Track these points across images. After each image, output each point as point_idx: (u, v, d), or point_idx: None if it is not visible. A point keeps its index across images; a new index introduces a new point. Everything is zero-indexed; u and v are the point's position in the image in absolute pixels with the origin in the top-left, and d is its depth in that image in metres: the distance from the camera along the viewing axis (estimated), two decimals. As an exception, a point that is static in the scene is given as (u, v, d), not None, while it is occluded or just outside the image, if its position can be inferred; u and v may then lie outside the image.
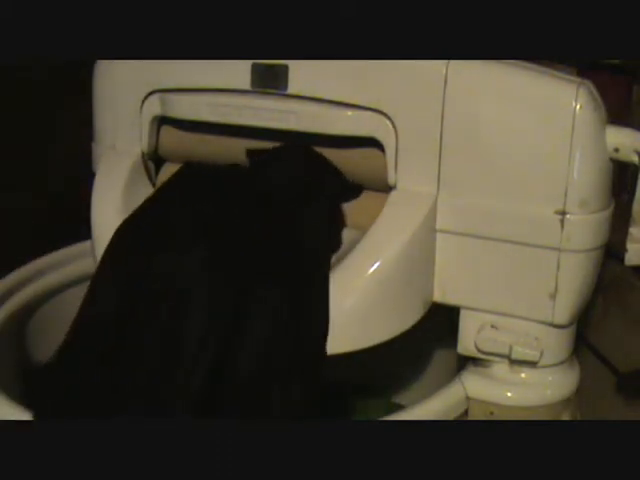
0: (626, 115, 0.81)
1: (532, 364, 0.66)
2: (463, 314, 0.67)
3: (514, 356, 0.65)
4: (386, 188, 0.66)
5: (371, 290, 0.62)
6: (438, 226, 0.64)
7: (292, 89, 0.67)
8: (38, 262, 0.82)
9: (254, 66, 0.67)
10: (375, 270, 0.62)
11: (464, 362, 0.69)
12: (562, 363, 0.67)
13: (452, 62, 0.62)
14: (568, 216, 0.61)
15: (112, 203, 0.70)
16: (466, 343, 0.67)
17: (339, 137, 0.67)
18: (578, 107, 0.60)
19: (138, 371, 0.60)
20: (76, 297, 0.82)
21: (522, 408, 0.67)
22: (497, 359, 0.67)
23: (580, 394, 0.70)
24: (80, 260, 0.82)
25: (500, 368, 0.67)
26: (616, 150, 0.62)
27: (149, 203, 0.71)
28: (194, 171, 0.73)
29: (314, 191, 0.67)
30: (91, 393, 0.60)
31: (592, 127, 0.61)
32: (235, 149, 0.71)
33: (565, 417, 0.68)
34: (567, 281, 0.63)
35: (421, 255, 0.64)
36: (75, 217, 0.73)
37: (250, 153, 0.71)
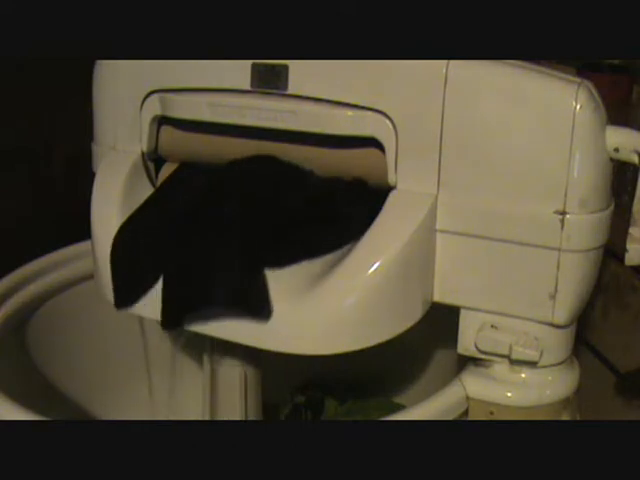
0: (626, 115, 0.81)
1: (532, 364, 0.66)
2: (463, 314, 0.67)
3: (514, 356, 0.65)
4: (386, 188, 0.66)
5: (371, 290, 0.62)
6: (438, 226, 0.64)
7: (292, 89, 0.67)
8: (38, 262, 0.82)
9: (254, 66, 0.67)
10: (375, 270, 0.62)
11: (464, 362, 0.69)
12: (562, 363, 0.67)
13: (452, 62, 0.62)
14: (568, 216, 0.61)
15: (112, 203, 0.70)
16: (466, 343, 0.67)
17: (339, 137, 0.67)
18: (578, 107, 0.60)
19: None
20: (76, 297, 0.83)
21: (522, 408, 0.67)
22: (497, 359, 0.67)
23: (580, 394, 0.70)
24: (80, 260, 0.83)
25: (500, 368, 0.67)
26: (616, 150, 0.62)
27: (149, 204, 0.71)
28: (194, 171, 0.73)
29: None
30: None
31: (592, 127, 0.61)
32: (235, 149, 0.71)
33: (565, 417, 0.68)
34: (567, 281, 0.63)
35: (421, 255, 0.64)
36: (75, 217, 0.73)
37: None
